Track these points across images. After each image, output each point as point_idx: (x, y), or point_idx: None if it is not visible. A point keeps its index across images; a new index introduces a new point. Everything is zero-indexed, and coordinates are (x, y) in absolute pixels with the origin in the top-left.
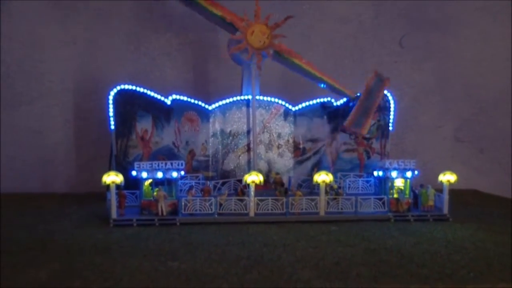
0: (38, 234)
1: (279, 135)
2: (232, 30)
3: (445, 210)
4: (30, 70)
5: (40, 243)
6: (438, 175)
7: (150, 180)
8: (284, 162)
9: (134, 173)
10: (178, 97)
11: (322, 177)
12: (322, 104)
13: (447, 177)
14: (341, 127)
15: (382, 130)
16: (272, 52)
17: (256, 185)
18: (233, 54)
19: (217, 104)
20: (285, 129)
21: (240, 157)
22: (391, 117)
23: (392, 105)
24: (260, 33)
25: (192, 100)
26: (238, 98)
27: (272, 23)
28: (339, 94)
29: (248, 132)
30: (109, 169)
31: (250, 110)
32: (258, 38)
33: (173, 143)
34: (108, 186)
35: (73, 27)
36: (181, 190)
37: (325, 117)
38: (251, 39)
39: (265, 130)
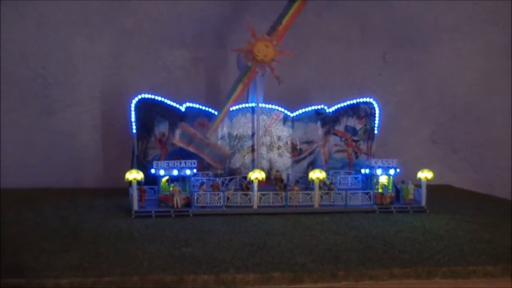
0: (70, 223)
1: (279, 138)
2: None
3: (423, 203)
4: (63, 81)
5: (72, 231)
6: (417, 172)
7: (166, 177)
8: (283, 161)
9: (153, 171)
10: (191, 104)
11: (316, 174)
12: (316, 111)
13: (425, 174)
14: None
15: (368, 134)
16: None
17: (259, 181)
18: (240, 67)
19: None
20: (284, 132)
21: (245, 157)
22: (376, 122)
23: (377, 112)
24: (265, 47)
25: (204, 108)
26: (244, 105)
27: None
28: None
29: (252, 135)
30: (131, 167)
31: (254, 116)
32: (264, 53)
33: None
34: (130, 182)
35: (100, 44)
36: (193, 186)
37: (319, 122)
38: (261, 57)
39: (267, 133)
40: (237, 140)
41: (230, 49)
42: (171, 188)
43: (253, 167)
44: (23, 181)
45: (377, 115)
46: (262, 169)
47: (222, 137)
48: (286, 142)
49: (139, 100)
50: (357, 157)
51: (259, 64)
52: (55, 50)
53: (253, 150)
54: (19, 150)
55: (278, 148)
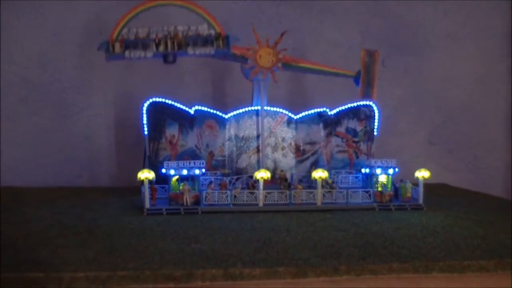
0: (86, 220)
1: (283, 139)
2: (243, 60)
3: (421, 200)
4: (79, 86)
5: (88, 228)
6: (414, 171)
7: (177, 176)
8: (287, 161)
9: (163, 170)
10: (200, 108)
11: (319, 174)
12: (319, 113)
13: (422, 173)
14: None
15: (368, 135)
16: (280, 65)
17: (264, 181)
18: (246, 73)
19: (232, 114)
20: (288, 134)
21: (251, 157)
22: (376, 124)
23: (376, 114)
24: (267, 54)
25: (212, 110)
26: (250, 108)
27: (273, 43)
28: (343, 76)
29: (258, 136)
30: (143, 167)
31: (259, 118)
32: (266, 59)
33: (196, 146)
34: (142, 181)
35: None
36: (202, 185)
37: (321, 124)
38: (262, 62)
39: (272, 135)
40: (243, 142)
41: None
42: (181, 187)
43: (258, 167)
44: (42, 180)
45: (376, 117)
46: (267, 168)
47: (229, 139)
48: (290, 143)
49: (151, 103)
50: (357, 157)
51: (262, 69)
52: (72, 56)
53: (258, 150)
54: (39, 151)
55: (283, 149)
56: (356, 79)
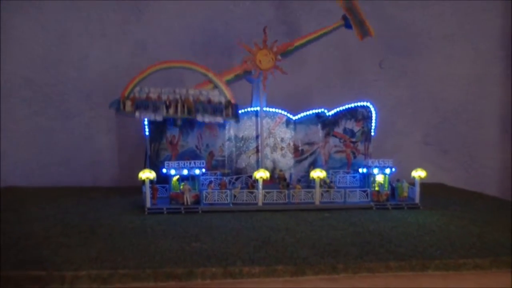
0: (88, 219)
1: (282, 139)
2: (248, 73)
3: (417, 200)
4: (81, 88)
5: (90, 227)
6: (410, 171)
7: (177, 176)
8: (286, 161)
9: (164, 170)
10: None
11: (317, 173)
12: (317, 114)
13: (418, 173)
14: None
15: (365, 135)
16: (280, 58)
17: (264, 180)
18: (249, 79)
19: None
20: (287, 134)
21: (250, 157)
22: (373, 124)
23: (373, 115)
24: (264, 56)
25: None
26: (249, 109)
27: (262, 44)
28: (335, 30)
29: (257, 137)
30: (145, 167)
31: (259, 119)
32: (266, 60)
33: (196, 146)
34: (143, 181)
35: (116, 54)
36: (202, 184)
37: (319, 124)
38: (263, 65)
39: (271, 135)
40: (243, 142)
41: (237, 42)
42: (181, 187)
43: (258, 166)
44: (45, 180)
45: (373, 118)
46: (266, 168)
47: (229, 139)
48: (289, 144)
49: None
50: (355, 157)
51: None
52: (75, 59)
53: (257, 151)
54: (42, 152)
55: (281, 149)
56: (347, 25)
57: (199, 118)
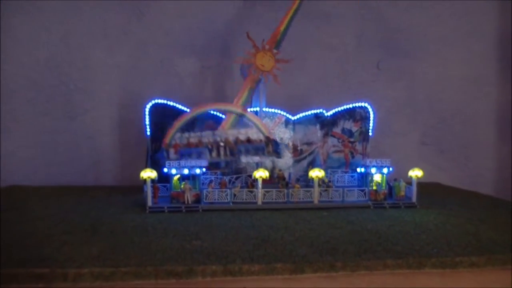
0: (90, 218)
1: (281, 139)
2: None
3: (414, 199)
4: (84, 88)
5: (92, 225)
6: (408, 171)
7: (178, 176)
8: (285, 161)
9: (165, 170)
10: None
11: (316, 173)
12: (315, 115)
13: (415, 173)
14: None
15: (363, 135)
16: (275, 50)
17: (263, 179)
18: (244, 75)
19: None
20: (286, 134)
21: None
22: (371, 125)
23: (371, 115)
24: (263, 57)
25: (212, 112)
26: (249, 109)
27: (253, 48)
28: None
29: None
30: (146, 166)
31: None
32: (267, 61)
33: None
34: (145, 180)
35: (118, 54)
36: (203, 183)
37: (318, 125)
38: (267, 66)
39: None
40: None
41: (234, 61)
42: (182, 186)
43: (257, 166)
44: (48, 179)
45: (371, 118)
46: (266, 168)
47: None
48: (288, 143)
49: (153, 105)
50: (353, 157)
51: (262, 72)
52: (77, 60)
53: None
54: (45, 151)
55: None
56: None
57: (243, 159)
